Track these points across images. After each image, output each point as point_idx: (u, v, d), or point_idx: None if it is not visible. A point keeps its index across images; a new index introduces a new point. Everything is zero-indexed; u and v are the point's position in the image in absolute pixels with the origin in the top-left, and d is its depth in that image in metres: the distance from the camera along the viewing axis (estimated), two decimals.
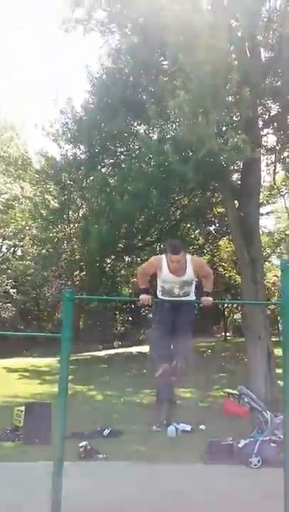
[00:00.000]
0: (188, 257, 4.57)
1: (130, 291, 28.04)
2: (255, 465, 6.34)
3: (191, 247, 22.43)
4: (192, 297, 4.62)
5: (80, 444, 6.98)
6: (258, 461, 6.36)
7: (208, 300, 4.54)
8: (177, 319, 4.47)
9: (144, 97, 14.66)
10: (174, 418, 9.12)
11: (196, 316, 5.09)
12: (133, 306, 32.59)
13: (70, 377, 4.56)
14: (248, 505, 4.85)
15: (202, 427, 9.00)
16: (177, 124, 14.36)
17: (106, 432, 8.29)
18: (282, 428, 6.26)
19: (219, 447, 6.87)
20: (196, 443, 7.64)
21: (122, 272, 23.66)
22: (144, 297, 4.49)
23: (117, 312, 34.01)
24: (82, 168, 16.00)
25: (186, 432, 8.59)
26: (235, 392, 10.57)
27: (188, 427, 8.76)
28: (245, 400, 7.18)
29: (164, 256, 4.56)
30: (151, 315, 4.91)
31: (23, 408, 8.34)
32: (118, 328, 38.18)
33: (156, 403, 9.79)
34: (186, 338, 4.51)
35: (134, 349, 27.70)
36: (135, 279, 27.90)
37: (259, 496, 5.16)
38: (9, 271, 25.44)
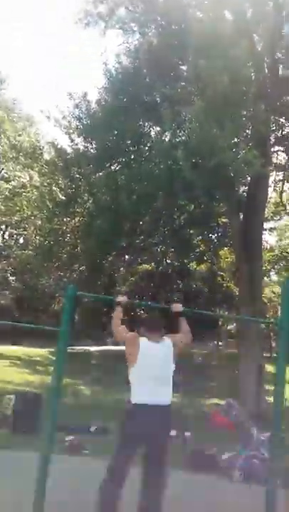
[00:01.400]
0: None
1: (126, 289, 28.11)
2: (237, 479, 6.38)
3: (192, 254, 22.50)
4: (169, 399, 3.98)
5: (67, 438, 7.07)
6: (240, 476, 6.41)
7: (177, 306, 4.33)
8: (153, 440, 3.87)
9: (158, 99, 14.74)
10: None
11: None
12: (128, 305, 32.61)
13: None
14: None
15: (187, 434, 9.04)
16: (190, 130, 14.44)
17: (93, 428, 8.37)
18: (266, 445, 6.35)
19: (202, 457, 6.93)
20: (179, 450, 7.68)
21: (121, 269, 23.74)
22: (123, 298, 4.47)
23: (112, 309, 34.07)
24: (91, 163, 16.05)
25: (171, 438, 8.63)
26: (223, 403, 10.64)
27: (173, 433, 8.79)
28: (233, 412, 7.25)
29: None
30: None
31: (12, 397, 8.42)
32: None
33: None
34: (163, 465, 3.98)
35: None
36: (132, 278, 27.99)
37: (237, 511, 5.22)
38: (11, 259, 25.53)
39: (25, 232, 26.49)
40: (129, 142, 16.09)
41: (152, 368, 3.84)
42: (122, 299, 4.43)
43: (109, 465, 3.99)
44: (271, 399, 4.86)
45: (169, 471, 4.04)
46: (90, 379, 16.39)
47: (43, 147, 22.25)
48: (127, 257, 21.86)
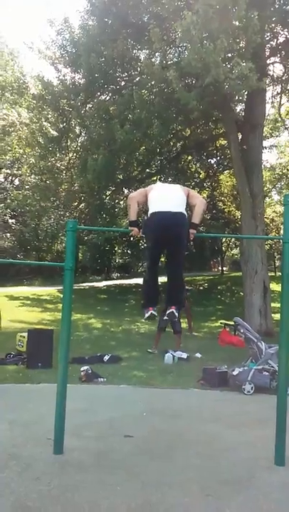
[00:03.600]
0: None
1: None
2: (249, 391, 6.66)
3: (191, 181, 22.17)
4: (184, 213, 4.36)
5: (82, 369, 7.28)
6: (251, 388, 6.67)
7: (192, 233, 4.37)
8: (169, 240, 4.24)
9: (145, 18, 13.83)
10: (171, 346, 9.47)
11: (192, 251, 4.93)
12: (132, 238, 32.76)
13: None
14: (241, 428, 5.14)
15: (198, 355, 9.36)
16: (182, 48, 13.69)
17: (106, 357, 8.61)
18: (275, 358, 6.55)
19: (214, 374, 7.18)
20: (192, 370, 8.00)
21: (121, 204, 23.48)
22: (135, 230, 4.45)
23: (115, 245, 34.23)
24: (81, 94, 15.40)
25: (183, 360, 8.94)
26: (231, 322, 10.90)
27: (184, 355, 9.10)
28: (241, 330, 7.38)
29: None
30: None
31: (25, 334, 8.60)
32: (117, 260, 38.64)
33: (157, 330, 10.07)
34: (178, 262, 4.44)
35: (133, 281, 28.26)
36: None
37: (252, 420, 5.46)
38: (8, 200, 25.21)
39: (20, 172, 25.95)
40: (118, 68, 15.31)
41: (165, 196, 4.38)
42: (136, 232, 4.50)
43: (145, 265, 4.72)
44: (277, 316, 4.90)
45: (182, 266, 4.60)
46: (100, 312, 16.74)
47: (27, 82, 21.27)
48: (126, 190, 21.53)
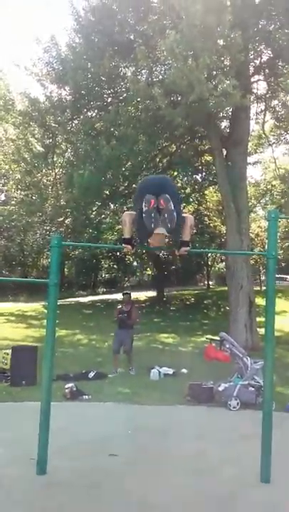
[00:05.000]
0: None
1: (115, 238, 28.02)
2: (234, 407, 6.63)
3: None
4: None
5: (66, 386, 7.19)
6: (237, 404, 6.64)
7: (184, 250, 4.36)
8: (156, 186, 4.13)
9: (132, 36, 14.04)
10: (156, 362, 9.42)
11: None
12: (118, 253, 32.71)
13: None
14: (227, 444, 5.10)
15: (184, 370, 9.31)
16: (167, 66, 13.90)
17: (91, 374, 8.52)
18: (261, 373, 6.54)
19: (200, 390, 7.14)
20: (178, 386, 7.93)
21: (108, 219, 23.49)
22: (128, 247, 4.40)
23: (101, 260, 34.14)
24: (67, 110, 15.47)
25: (169, 376, 8.88)
26: (216, 338, 10.85)
27: (170, 371, 9.05)
28: (227, 345, 7.38)
29: None
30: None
31: (9, 351, 8.47)
32: (103, 275, 38.51)
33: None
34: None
35: (119, 296, 28.14)
36: (120, 227, 27.81)
37: (237, 436, 5.43)
38: None
39: (6, 188, 25.88)
40: (104, 85, 15.45)
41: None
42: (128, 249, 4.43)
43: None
44: (263, 331, 4.92)
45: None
46: (85, 328, 16.60)
47: (14, 98, 21.32)
48: (112, 205, 21.55)
